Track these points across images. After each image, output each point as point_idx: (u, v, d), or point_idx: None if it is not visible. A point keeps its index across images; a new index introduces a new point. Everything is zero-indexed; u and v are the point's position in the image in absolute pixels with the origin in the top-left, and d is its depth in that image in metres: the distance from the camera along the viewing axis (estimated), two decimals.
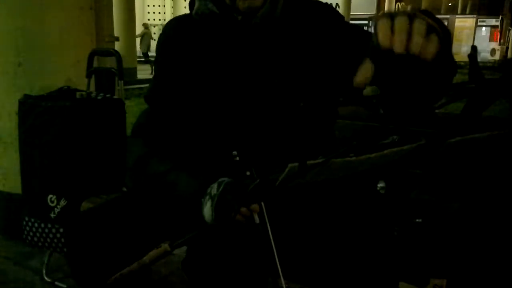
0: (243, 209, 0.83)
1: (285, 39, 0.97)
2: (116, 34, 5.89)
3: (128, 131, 1.11)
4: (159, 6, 24.20)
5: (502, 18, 24.49)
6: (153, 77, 1.07)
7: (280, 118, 0.96)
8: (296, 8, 1.00)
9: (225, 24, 0.98)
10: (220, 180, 0.89)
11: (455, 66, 0.72)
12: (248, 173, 0.96)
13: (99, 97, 1.78)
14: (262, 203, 0.82)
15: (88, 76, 2.16)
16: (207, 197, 0.88)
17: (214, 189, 0.88)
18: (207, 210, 0.87)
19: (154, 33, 24.86)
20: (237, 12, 0.96)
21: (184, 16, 1.06)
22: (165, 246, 0.76)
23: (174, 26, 1.05)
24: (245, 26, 0.96)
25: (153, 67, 11.91)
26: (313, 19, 0.99)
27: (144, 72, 11.32)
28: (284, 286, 0.79)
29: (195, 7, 0.99)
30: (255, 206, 0.82)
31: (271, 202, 0.83)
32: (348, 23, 1.01)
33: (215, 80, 0.97)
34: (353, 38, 0.95)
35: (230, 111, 0.97)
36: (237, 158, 0.96)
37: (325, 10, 1.01)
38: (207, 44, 0.99)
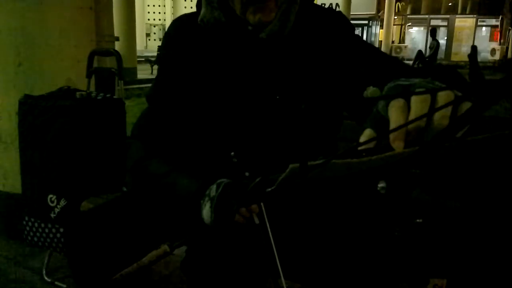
0: (243, 210, 0.83)
1: (291, 53, 0.96)
2: (116, 34, 5.90)
3: (128, 131, 1.11)
4: (159, 6, 24.22)
5: (502, 18, 24.48)
6: (156, 76, 1.07)
7: (281, 119, 0.95)
8: (307, 22, 0.98)
9: (231, 33, 0.97)
10: (219, 181, 0.89)
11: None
12: (247, 174, 0.96)
13: (99, 97, 1.78)
14: (262, 204, 0.82)
15: (88, 76, 2.16)
16: (206, 198, 0.87)
17: (213, 190, 0.87)
18: (206, 212, 0.87)
19: (154, 33, 24.90)
20: (248, 24, 0.95)
21: (190, 15, 1.04)
22: (164, 246, 0.76)
23: (179, 27, 1.04)
24: (252, 38, 0.96)
25: (153, 67, 11.92)
26: (323, 29, 0.97)
27: (144, 72, 11.32)
28: (284, 286, 0.79)
29: (201, 12, 0.98)
30: (254, 207, 0.82)
31: (271, 202, 0.83)
32: (358, 35, 1.00)
33: (217, 84, 0.97)
34: (359, 51, 0.94)
35: (230, 113, 0.96)
36: (235, 160, 0.96)
37: (337, 19, 0.99)
38: (212, 49, 0.98)
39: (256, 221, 0.82)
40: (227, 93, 0.96)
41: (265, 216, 0.82)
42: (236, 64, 0.96)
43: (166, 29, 1.08)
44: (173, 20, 1.07)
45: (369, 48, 0.96)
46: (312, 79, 0.95)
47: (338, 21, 0.99)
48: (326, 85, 0.95)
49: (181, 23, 1.05)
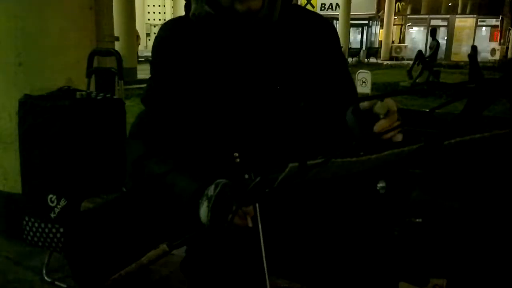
0: (238, 212, 0.83)
1: (283, 41, 0.99)
2: (116, 34, 5.90)
3: (128, 131, 1.11)
4: (159, 6, 24.21)
5: (502, 18, 24.48)
6: (149, 78, 1.07)
7: (281, 118, 0.96)
8: (293, 14, 1.02)
9: (221, 25, 0.98)
10: (217, 181, 0.89)
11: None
12: (246, 176, 0.96)
13: (99, 97, 1.78)
14: (257, 205, 0.82)
15: (88, 76, 2.16)
16: (204, 198, 0.88)
17: (211, 190, 0.88)
18: (203, 211, 0.87)
19: (154, 33, 24.88)
20: (236, 15, 0.96)
21: (180, 18, 1.06)
22: (163, 246, 0.76)
23: (170, 28, 1.05)
24: (244, 27, 0.97)
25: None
26: (311, 28, 1.02)
27: (144, 72, 11.30)
28: (268, 285, 0.80)
29: (192, 8, 1.00)
30: (249, 210, 0.82)
31: (271, 202, 0.83)
32: (343, 55, 1.08)
33: (214, 80, 0.97)
34: (335, 67, 1.03)
35: (230, 111, 0.97)
36: (238, 160, 0.96)
37: (325, 25, 1.05)
38: (204, 45, 0.99)
39: (250, 224, 0.83)
40: (225, 87, 0.97)
41: (259, 218, 0.82)
42: (231, 56, 0.98)
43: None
44: (164, 23, 1.09)
45: (344, 72, 1.05)
46: (306, 68, 0.99)
47: (327, 29, 1.04)
48: (318, 79, 0.99)
49: (173, 23, 1.07)
